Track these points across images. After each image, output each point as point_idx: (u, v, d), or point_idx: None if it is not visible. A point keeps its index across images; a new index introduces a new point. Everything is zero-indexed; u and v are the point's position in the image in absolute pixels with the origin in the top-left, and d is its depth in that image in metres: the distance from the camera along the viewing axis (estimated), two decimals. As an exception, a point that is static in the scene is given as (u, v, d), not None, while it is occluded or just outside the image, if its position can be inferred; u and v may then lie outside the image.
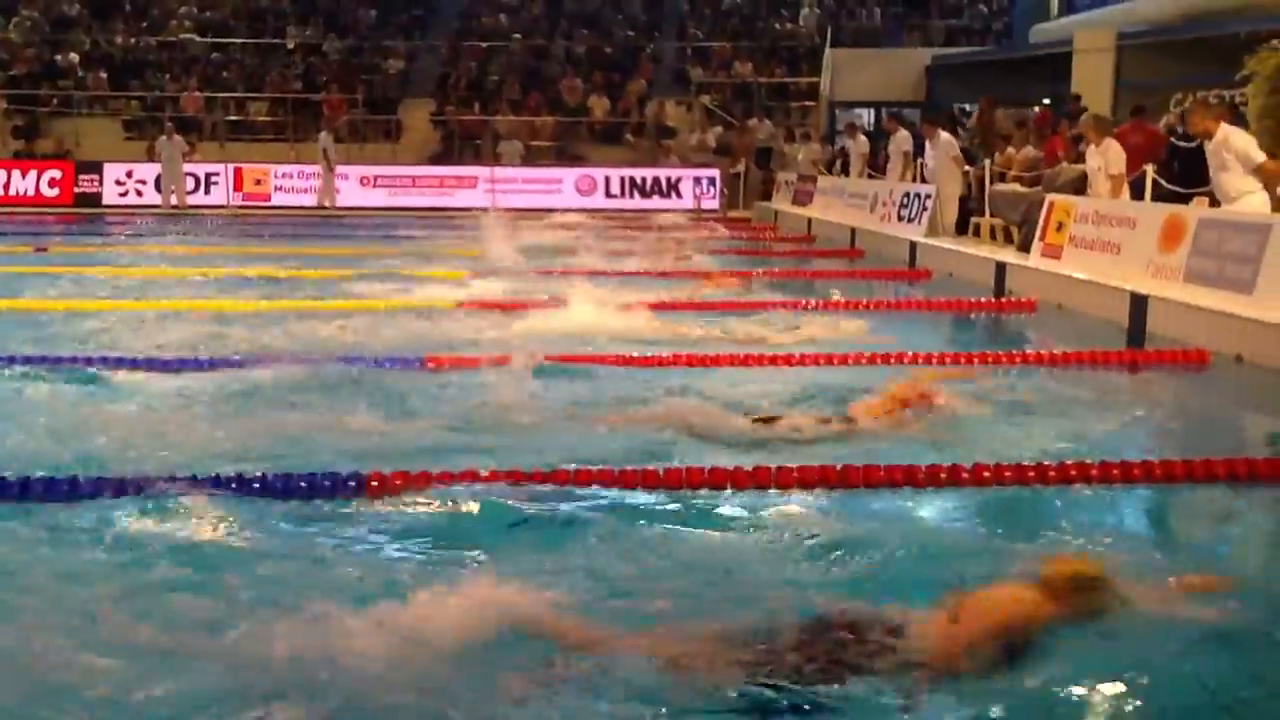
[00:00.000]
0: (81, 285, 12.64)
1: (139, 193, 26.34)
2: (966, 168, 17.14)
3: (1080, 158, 14.06)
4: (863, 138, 22.95)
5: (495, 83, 30.48)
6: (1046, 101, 21.80)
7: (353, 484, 5.28)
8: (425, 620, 3.75)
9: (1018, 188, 15.80)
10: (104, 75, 29.86)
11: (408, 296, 11.74)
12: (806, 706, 3.36)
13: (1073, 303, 11.42)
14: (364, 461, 5.55)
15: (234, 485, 5.23)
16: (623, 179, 27.61)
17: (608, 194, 27.36)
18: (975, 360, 8.69)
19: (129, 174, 26.50)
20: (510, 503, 5.08)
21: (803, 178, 24.24)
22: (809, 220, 21.96)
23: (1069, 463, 5.66)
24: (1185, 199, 12.50)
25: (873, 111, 29.23)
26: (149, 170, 26.19)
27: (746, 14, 33.98)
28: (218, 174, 26.56)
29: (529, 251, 15.76)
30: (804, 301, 11.59)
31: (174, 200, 25.40)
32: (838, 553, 4.58)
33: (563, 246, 17.14)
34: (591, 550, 4.64)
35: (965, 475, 5.52)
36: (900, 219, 17.60)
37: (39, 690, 3.44)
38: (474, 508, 5.07)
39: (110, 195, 26.34)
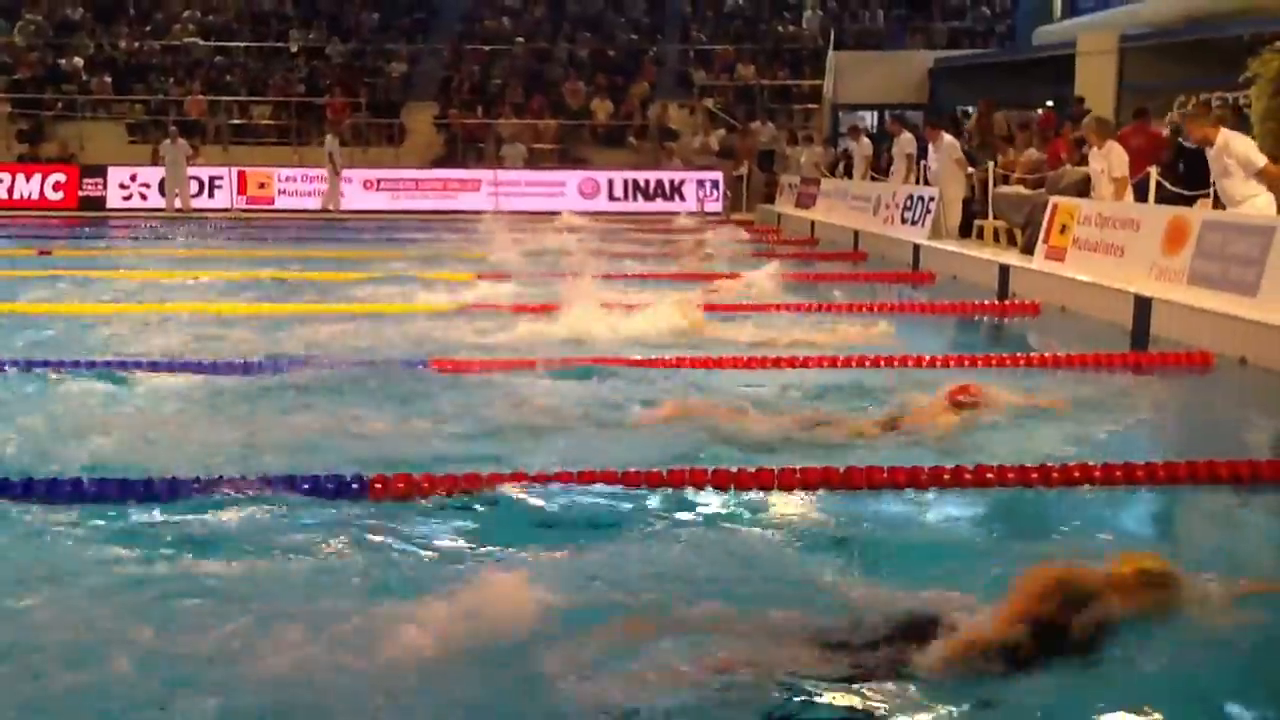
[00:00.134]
0: (86, 288, 12.65)
1: (143, 196, 26.37)
2: (970, 170, 17.14)
3: (1083, 160, 14.04)
4: (866, 140, 22.94)
5: (498, 86, 30.49)
6: (1050, 104, 21.81)
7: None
8: (477, 612, 3.79)
9: (1021, 190, 15.78)
10: (108, 79, 29.90)
11: (454, 298, 11.77)
12: (873, 698, 3.39)
13: (1076, 305, 11.42)
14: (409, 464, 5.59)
15: (247, 486, 5.24)
16: (625, 182, 27.63)
17: (610, 197, 27.38)
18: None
19: (133, 177, 26.54)
20: (573, 501, 5.16)
21: (806, 180, 24.23)
22: (812, 223, 21.95)
23: (1072, 464, 5.67)
24: (1188, 201, 12.49)
25: (876, 114, 29.21)
26: (153, 174, 26.24)
27: (749, 16, 33.97)
28: (221, 177, 26.60)
29: (553, 254, 15.75)
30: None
31: (178, 203, 25.44)
32: (891, 549, 4.66)
33: (584, 249, 17.14)
34: (638, 550, 4.67)
35: (968, 476, 5.53)
36: (903, 221, 17.60)
37: (36, 692, 3.45)
38: (536, 506, 5.12)
39: (114, 199, 26.37)
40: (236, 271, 14.31)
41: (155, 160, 26.25)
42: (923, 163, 18.40)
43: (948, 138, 17.28)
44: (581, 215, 23.31)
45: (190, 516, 4.96)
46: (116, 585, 4.24)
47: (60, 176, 26.51)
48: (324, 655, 3.57)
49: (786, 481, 5.48)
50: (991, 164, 16.67)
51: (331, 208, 26.11)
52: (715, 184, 27.62)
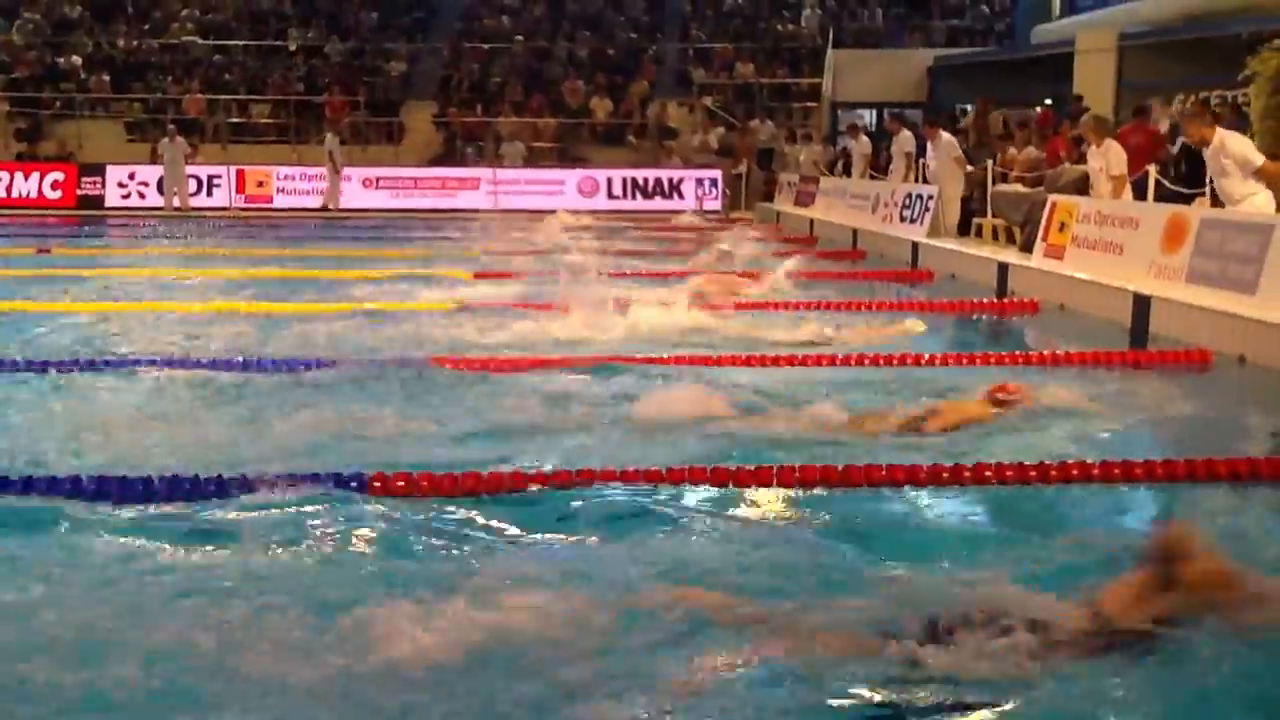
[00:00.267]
0: (84, 286, 12.65)
1: (141, 195, 26.37)
2: (969, 168, 17.14)
3: (1082, 158, 14.05)
4: (865, 138, 22.95)
5: (497, 84, 30.49)
6: (1048, 102, 21.83)
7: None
8: (478, 612, 3.82)
9: (1020, 188, 15.79)
10: (106, 77, 29.89)
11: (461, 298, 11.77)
12: (946, 697, 3.40)
13: (1075, 303, 11.42)
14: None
15: (248, 485, 5.24)
16: (625, 180, 27.63)
17: (609, 195, 27.38)
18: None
19: (131, 176, 26.53)
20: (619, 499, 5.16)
21: (805, 179, 24.24)
22: (811, 221, 21.95)
23: (1071, 462, 5.68)
24: (1187, 199, 12.50)
25: (875, 112, 29.23)
26: (151, 172, 26.23)
27: (748, 15, 33.98)
28: (220, 176, 26.59)
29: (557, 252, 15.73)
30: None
31: (176, 202, 25.43)
32: (972, 545, 4.69)
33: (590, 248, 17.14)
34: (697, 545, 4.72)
35: (967, 474, 5.54)
36: (902, 220, 17.60)
37: (36, 691, 3.45)
38: (537, 506, 5.14)
39: (113, 197, 26.36)
40: (235, 270, 14.31)
41: (154, 159, 26.24)
42: (921, 161, 18.41)
43: (946, 136, 17.29)
44: (575, 213, 23.20)
45: (189, 515, 4.96)
46: (115, 584, 4.24)
47: (59, 175, 26.50)
48: (325, 655, 3.57)
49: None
50: (990, 162, 16.68)
51: (331, 206, 26.11)
52: (714, 182, 27.63)
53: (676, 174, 27.85)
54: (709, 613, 3.89)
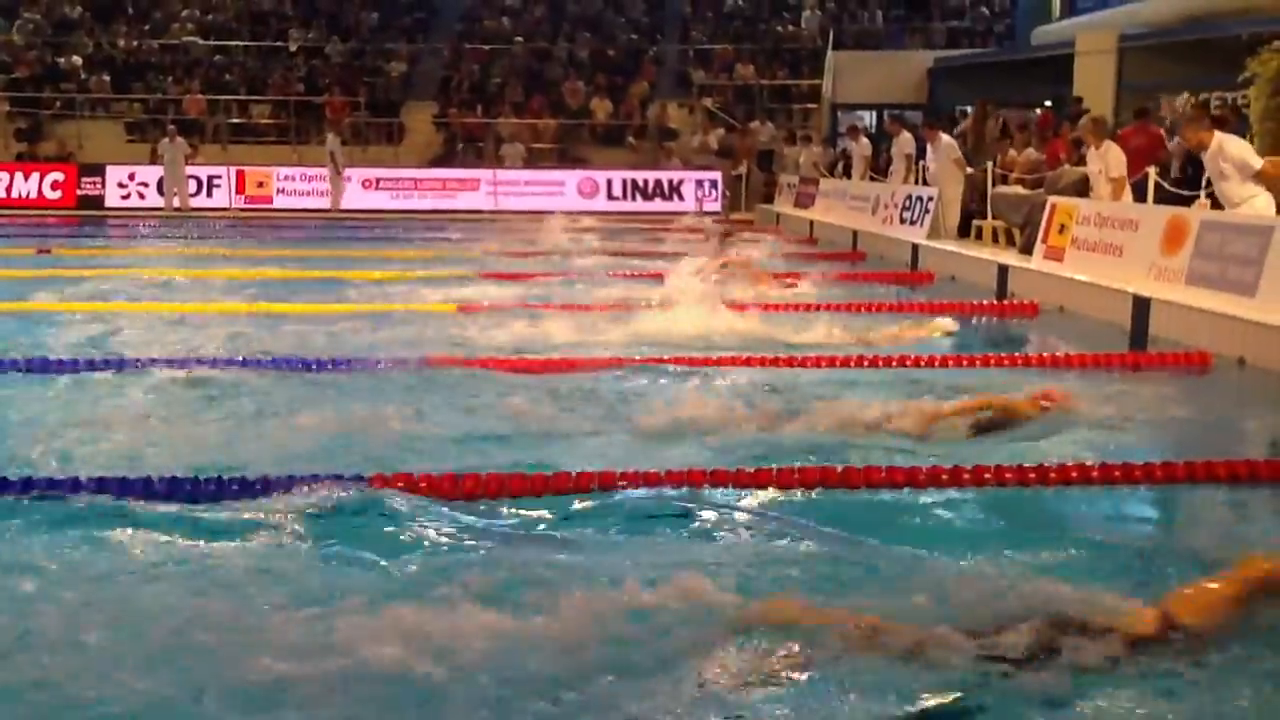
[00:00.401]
0: (84, 287, 12.65)
1: (141, 195, 26.35)
2: (969, 170, 17.15)
3: (1082, 160, 14.05)
4: (865, 140, 22.94)
5: (497, 85, 30.49)
6: (1048, 103, 21.83)
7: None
8: (477, 613, 3.82)
9: (1020, 190, 15.80)
10: (106, 78, 29.88)
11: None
12: (1019, 699, 3.42)
13: (1075, 305, 11.42)
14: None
15: (243, 486, 5.25)
16: (625, 181, 27.62)
17: (609, 196, 27.38)
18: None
19: (131, 176, 26.51)
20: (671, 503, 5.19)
21: (805, 180, 24.24)
22: (811, 223, 21.95)
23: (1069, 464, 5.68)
24: (1187, 201, 12.50)
25: (875, 114, 29.24)
26: (151, 173, 26.22)
27: (748, 16, 33.97)
28: (220, 176, 26.58)
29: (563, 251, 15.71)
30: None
31: (176, 202, 25.43)
32: (1045, 546, 4.68)
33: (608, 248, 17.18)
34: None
35: (966, 476, 5.54)
36: (902, 221, 17.60)
37: (35, 692, 3.45)
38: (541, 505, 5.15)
39: (113, 198, 26.34)
40: (235, 270, 14.31)
41: (154, 159, 26.23)
42: (921, 163, 18.41)
43: (946, 138, 17.29)
44: (571, 215, 23.10)
45: (188, 515, 4.96)
46: (115, 583, 4.25)
47: (58, 175, 26.49)
48: (325, 655, 3.57)
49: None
50: (990, 164, 16.68)
51: (331, 207, 26.10)
52: (714, 184, 27.62)
53: (676, 175, 27.84)
54: (717, 613, 3.89)
